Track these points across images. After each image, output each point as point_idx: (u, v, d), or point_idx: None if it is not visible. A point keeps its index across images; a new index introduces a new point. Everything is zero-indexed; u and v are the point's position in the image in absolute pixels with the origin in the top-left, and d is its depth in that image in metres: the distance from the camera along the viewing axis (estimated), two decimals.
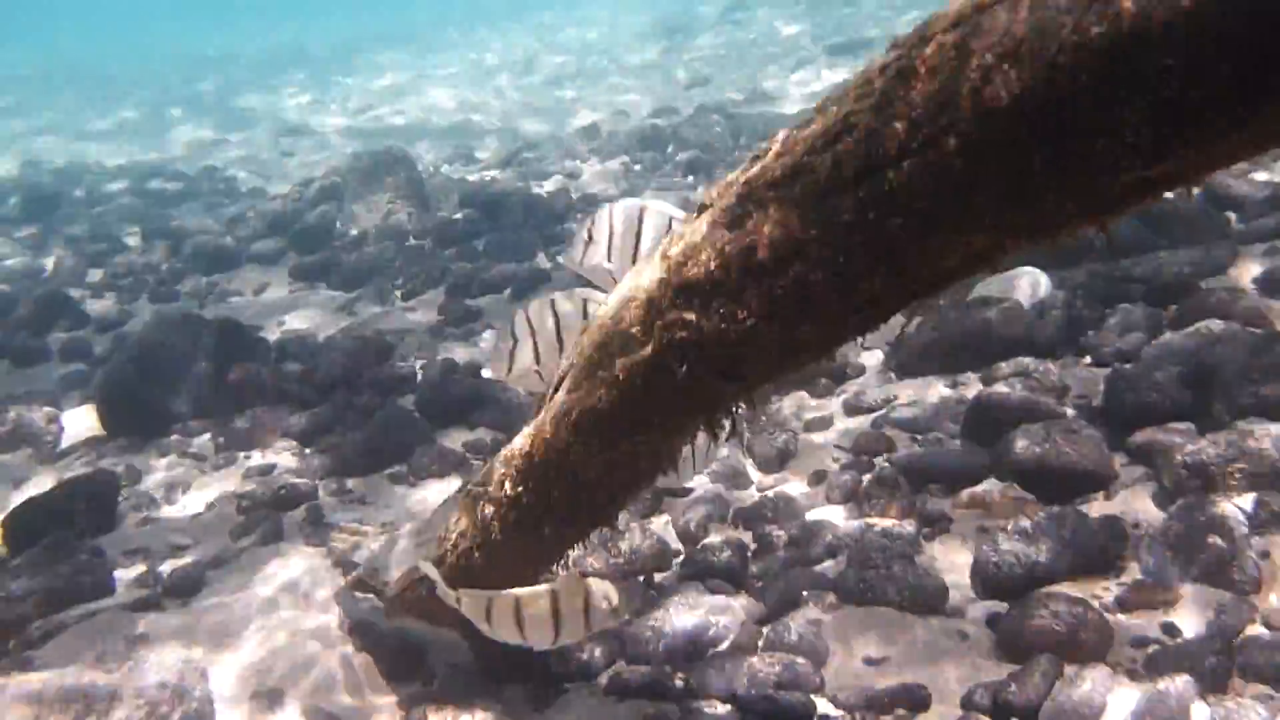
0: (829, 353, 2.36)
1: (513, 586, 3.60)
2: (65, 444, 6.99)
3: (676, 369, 2.38)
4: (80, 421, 7.22)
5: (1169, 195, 1.82)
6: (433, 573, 3.12)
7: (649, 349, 2.44)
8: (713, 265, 2.23)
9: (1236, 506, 3.82)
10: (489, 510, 3.13)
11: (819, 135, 2.02)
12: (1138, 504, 4.13)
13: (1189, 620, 3.55)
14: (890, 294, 2.11)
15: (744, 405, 2.56)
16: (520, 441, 2.98)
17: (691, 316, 2.30)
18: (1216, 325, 4.97)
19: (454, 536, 3.38)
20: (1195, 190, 1.79)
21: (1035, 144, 1.69)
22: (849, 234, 1.99)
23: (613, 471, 2.82)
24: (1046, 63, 1.61)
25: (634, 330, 2.49)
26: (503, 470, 3.02)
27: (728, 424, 2.60)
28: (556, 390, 2.87)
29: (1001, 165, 1.75)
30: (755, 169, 2.21)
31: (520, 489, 2.97)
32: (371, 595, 4.13)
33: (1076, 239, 1.87)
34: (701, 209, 2.37)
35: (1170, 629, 3.53)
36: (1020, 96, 1.65)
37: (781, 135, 2.19)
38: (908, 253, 1.97)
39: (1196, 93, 1.51)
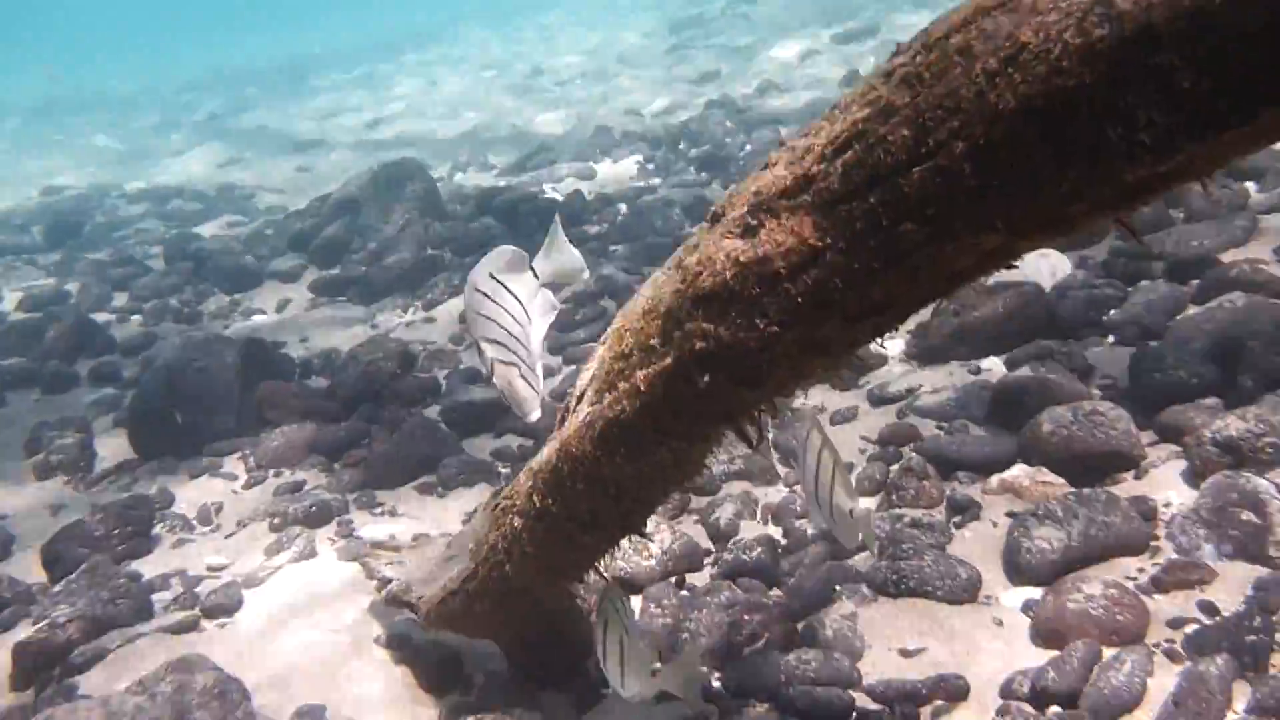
0: (847, 356, 2.37)
1: (545, 595, 3.65)
2: (98, 469, 7.09)
3: (698, 378, 2.39)
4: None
5: None
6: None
7: (669, 359, 2.45)
8: (728, 275, 2.24)
9: (1269, 481, 3.80)
10: (518, 522, 3.16)
11: (827, 144, 2.02)
12: (1168, 483, 4.12)
13: (1226, 598, 3.53)
14: (906, 296, 2.12)
15: (766, 410, 2.57)
16: (545, 454, 2.99)
17: (710, 326, 2.31)
18: (1240, 298, 4.93)
19: (485, 549, 3.41)
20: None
21: (1043, 146, 1.69)
22: (862, 240, 2.00)
23: (639, 480, 2.83)
24: (1051, 66, 1.61)
25: (653, 341, 2.51)
26: (529, 483, 3.05)
27: (753, 430, 2.61)
28: (579, 402, 2.89)
29: (1011, 168, 1.75)
30: (765, 178, 2.21)
31: (548, 501, 2.99)
32: (407, 610, 4.17)
33: (1093, 232, 1.87)
34: (715, 218, 2.38)
35: (1208, 607, 3.51)
36: (1027, 99, 1.66)
37: (789, 144, 2.20)
38: (922, 256, 1.97)
39: (1205, 88, 1.50)
